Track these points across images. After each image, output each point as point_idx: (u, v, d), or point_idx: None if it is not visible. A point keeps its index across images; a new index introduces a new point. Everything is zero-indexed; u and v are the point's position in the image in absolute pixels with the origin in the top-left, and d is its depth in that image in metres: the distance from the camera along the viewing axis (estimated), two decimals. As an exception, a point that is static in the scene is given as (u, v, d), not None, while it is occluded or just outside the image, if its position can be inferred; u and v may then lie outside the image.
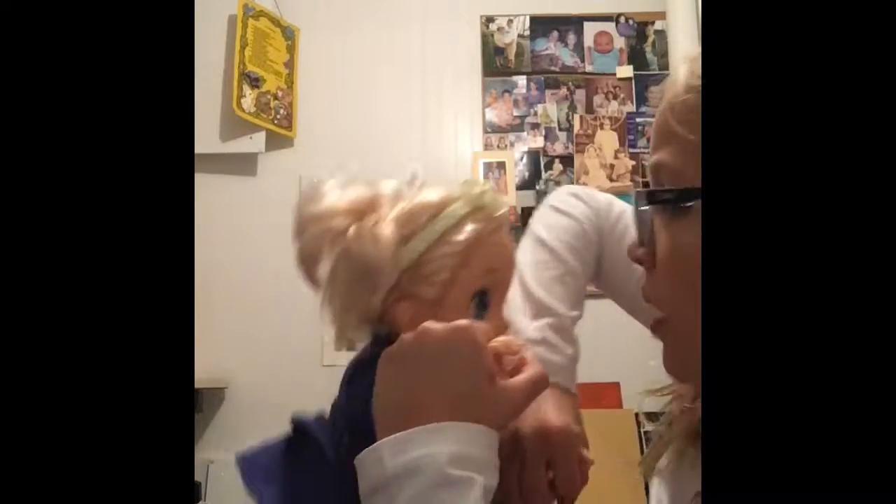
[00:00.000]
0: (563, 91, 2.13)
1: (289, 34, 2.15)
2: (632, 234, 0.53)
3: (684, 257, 0.45)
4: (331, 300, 0.49)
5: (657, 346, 0.51)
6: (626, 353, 1.37)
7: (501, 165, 2.08)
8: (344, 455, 0.45)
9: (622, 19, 2.18)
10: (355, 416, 0.46)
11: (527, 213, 2.05)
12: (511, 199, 2.06)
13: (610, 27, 2.17)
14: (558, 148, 2.09)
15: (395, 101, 2.15)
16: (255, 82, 2.02)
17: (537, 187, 2.07)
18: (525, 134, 2.11)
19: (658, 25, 2.15)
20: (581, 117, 2.11)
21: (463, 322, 0.45)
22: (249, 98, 2.00)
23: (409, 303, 0.49)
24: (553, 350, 0.59)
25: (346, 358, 0.51)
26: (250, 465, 0.50)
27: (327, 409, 0.51)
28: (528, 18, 2.17)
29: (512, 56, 2.15)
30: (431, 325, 0.45)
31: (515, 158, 2.09)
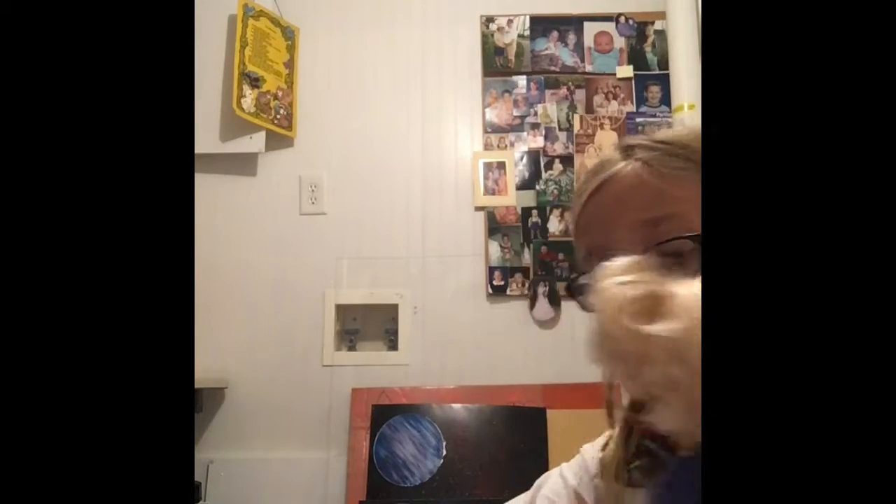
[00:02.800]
0: (563, 91, 2.13)
1: (289, 34, 2.15)
2: None
3: None
4: None
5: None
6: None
7: (501, 165, 2.08)
8: None
9: (622, 19, 2.17)
10: None
11: (527, 213, 2.05)
12: (511, 199, 2.06)
13: (610, 27, 2.17)
14: (558, 148, 2.09)
15: (395, 101, 2.15)
16: (255, 82, 2.02)
17: (537, 187, 2.07)
18: (525, 134, 2.10)
19: (658, 25, 2.15)
20: (581, 117, 2.11)
21: None
22: (249, 98, 2.00)
23: None
24: None
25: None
26: None
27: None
28: (528, 18, 2.17)
29: (512, 56, 2.15)
30: None
31: (515, 158, 2.09)
